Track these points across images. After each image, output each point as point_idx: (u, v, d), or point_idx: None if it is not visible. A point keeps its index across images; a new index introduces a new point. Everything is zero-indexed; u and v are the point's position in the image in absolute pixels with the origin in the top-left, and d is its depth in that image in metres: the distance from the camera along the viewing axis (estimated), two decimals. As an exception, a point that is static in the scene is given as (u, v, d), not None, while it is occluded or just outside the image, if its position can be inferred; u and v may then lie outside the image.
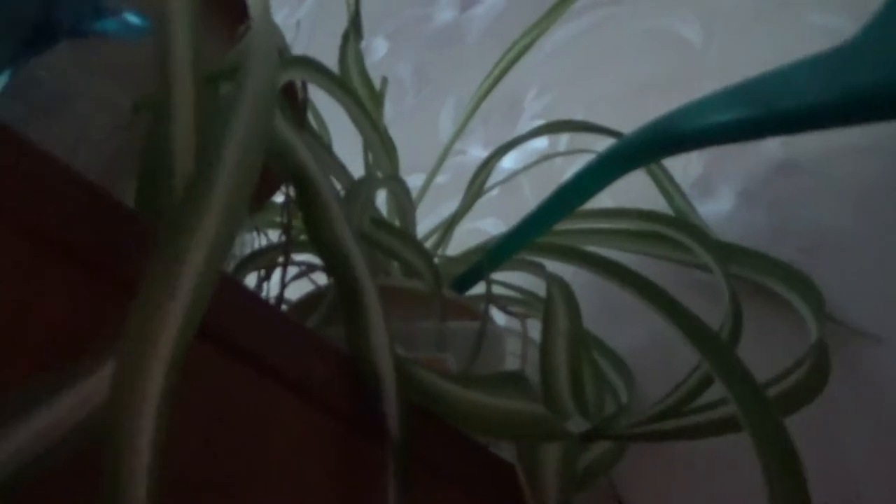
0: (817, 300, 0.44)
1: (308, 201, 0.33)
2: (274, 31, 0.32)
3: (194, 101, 0.27)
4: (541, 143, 0.66)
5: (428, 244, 0.52)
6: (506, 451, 0.40)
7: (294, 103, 0.45)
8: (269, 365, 0.29)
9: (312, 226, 0.32)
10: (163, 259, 0.22)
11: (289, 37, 0.57)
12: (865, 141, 0.52)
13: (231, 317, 0.28)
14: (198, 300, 0.22)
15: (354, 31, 0.50)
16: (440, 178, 0.70)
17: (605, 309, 0.52)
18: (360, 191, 0.39)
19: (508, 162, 0.66)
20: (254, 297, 0.30)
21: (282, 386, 0.29)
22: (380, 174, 0.49)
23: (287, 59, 0.40)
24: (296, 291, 0.50)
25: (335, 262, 0.32)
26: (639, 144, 0.41)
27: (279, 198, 0.53)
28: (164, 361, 0.21)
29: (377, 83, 0.56)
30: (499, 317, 0.51)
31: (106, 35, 0.34)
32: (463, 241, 0.56)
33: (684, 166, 0.56)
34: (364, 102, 0.47)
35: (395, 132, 0.71)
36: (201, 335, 0.26)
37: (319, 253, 0.32)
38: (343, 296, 0.32)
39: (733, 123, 0.37)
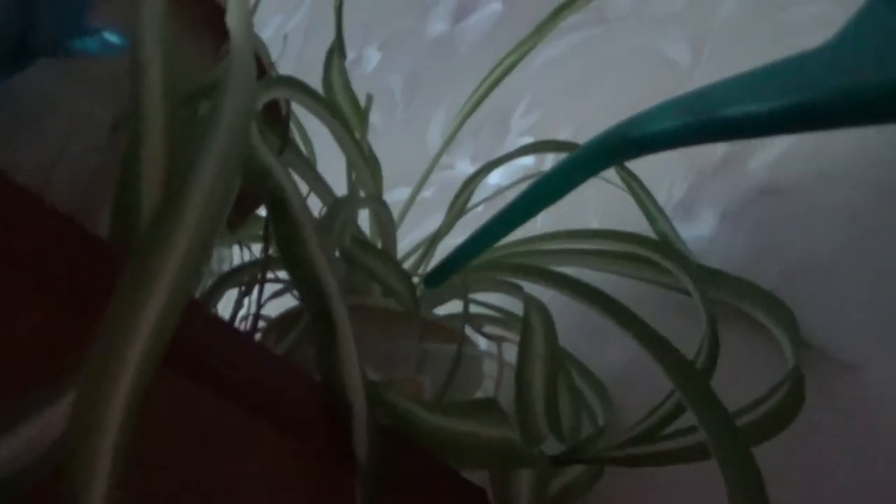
0: (794, 327, 0.45)
1: (282, 223, 0.33)
2: (253, 54, 0.32)
3: (165, 127, 0.27)
4: (528, 161, 0.66)
5: (411, 261, 0.52)
6: (478, 475, 0.40)
7: (277, 121, 0.45)
8: (240, 392, 0.29)
9: (285, 247, 0.32)
10: (126, 289, 0.22)
11: (279, 48, 0.57)
12: (849, 168, 0.52)
13: (202, 345, 0.28)
14: (162, 330, 0.22)
15: (338, 47, 0.50)
16: (427, 192, 0.70)
17: (585, 330, 0.52)
18: (338, 211, 0.39)
19: (495, 178, 0.66)
20: (225, 324, 0.30)
21: (254, 413, 0.30)
22: (363, 193, 0.49)
23: (268, 80, 0.40)
24: (280, 307, 0.50)
25: (307, 285, 0.32)
26: (598, 149, 0.42)
27: (263, 211, 0.53)
28: (125, 393, 0.21)
29: (373, 92, 0.56)
30: (481, 339, 0.51)
31: (85, 54, 0.34)
32: (447, 256, 0.56)
33: (668, 188, 0.57)
34: (348, 120, 0.48)
35: (384, 144, 0.71)
36: (171, 364, 0.26)
37: (291, 275, 0.33)
38: (314, 319, 0.32)
39: (682, 128, 0.38)
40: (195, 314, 0.28)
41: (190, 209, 0.25)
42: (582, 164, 0.42)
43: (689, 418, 0.37)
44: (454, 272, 0.45)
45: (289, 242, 0.32)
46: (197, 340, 0.28)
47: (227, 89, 0.29)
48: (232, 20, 0.34)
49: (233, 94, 0.29)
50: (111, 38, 0.34)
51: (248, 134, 0.29)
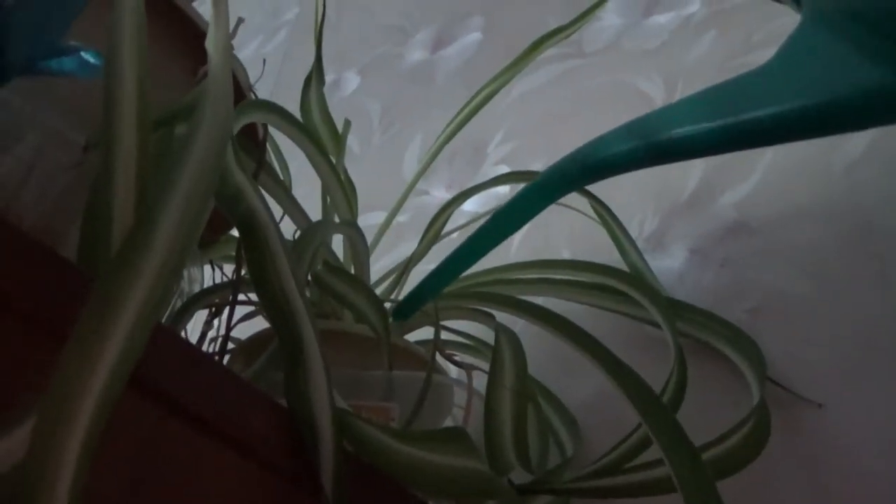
0: (760, 363, 0.45)
1: (253, 246, 0.33)
2: (230, 78, 0.33)
3: (137, 151, 0.27)
4: (503, 189, 0.66)
5: (384, 286, 0.52)
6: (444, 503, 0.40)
7: (254, 144, 0.45)
8: (204, 419, 0.28)
9: (255, 270, 0.32)
10: (92, 315, 0.22)
11: (258, 70, 0.58)
12: (817, 207, 0.53)
13: (166, 369, 0.28)
14: (125, 360, 0.22)
15: (317, 72, 0.50)
16: (401, 218, 0.70)
17: (555, 361, 0.53)
18: (311, 236, 0.39)
19: (470, 205, 0.66)
20: (191, 348, 0.30)
21: (218, 440, 0.29)
22: (337, 217, 0.49)
23: (246, 103, 0.40)
24: (251, 329, 0.49)
25: (276, 309, 0.32)
26: (555, 176, 0.43)
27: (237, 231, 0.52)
28: (85, 421, 0.21)
29: (351, 116, 0.56)
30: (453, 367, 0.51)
31: (61, 73, 0.34)
32: (420, 283, 0.56)
33: (640, 221, 0.57)
34: (324, 145, 0.48)
35: (361, 168, 0.71)
36: (135, 389, 0.26)
37: (261, 298, 0.32)
38: (283, 343, 0.32)
39: (631, 152, 0.40)
40: (160, 338, 0.28)
41: (161, 234, 0.24)
42: (541, 191, 0.43)
43: (655, 451, 0.38)
44: (424, 304, 0.45)
45: (259, 266, 0.32)
46: (160, 365, 0.27)
47: (203, 113, 0.29)
48: (211, 44, 0.34)
49: (208, 118, 0.29)
50: (89, 57, 0.34)
51: (222, 158, 0.29)
